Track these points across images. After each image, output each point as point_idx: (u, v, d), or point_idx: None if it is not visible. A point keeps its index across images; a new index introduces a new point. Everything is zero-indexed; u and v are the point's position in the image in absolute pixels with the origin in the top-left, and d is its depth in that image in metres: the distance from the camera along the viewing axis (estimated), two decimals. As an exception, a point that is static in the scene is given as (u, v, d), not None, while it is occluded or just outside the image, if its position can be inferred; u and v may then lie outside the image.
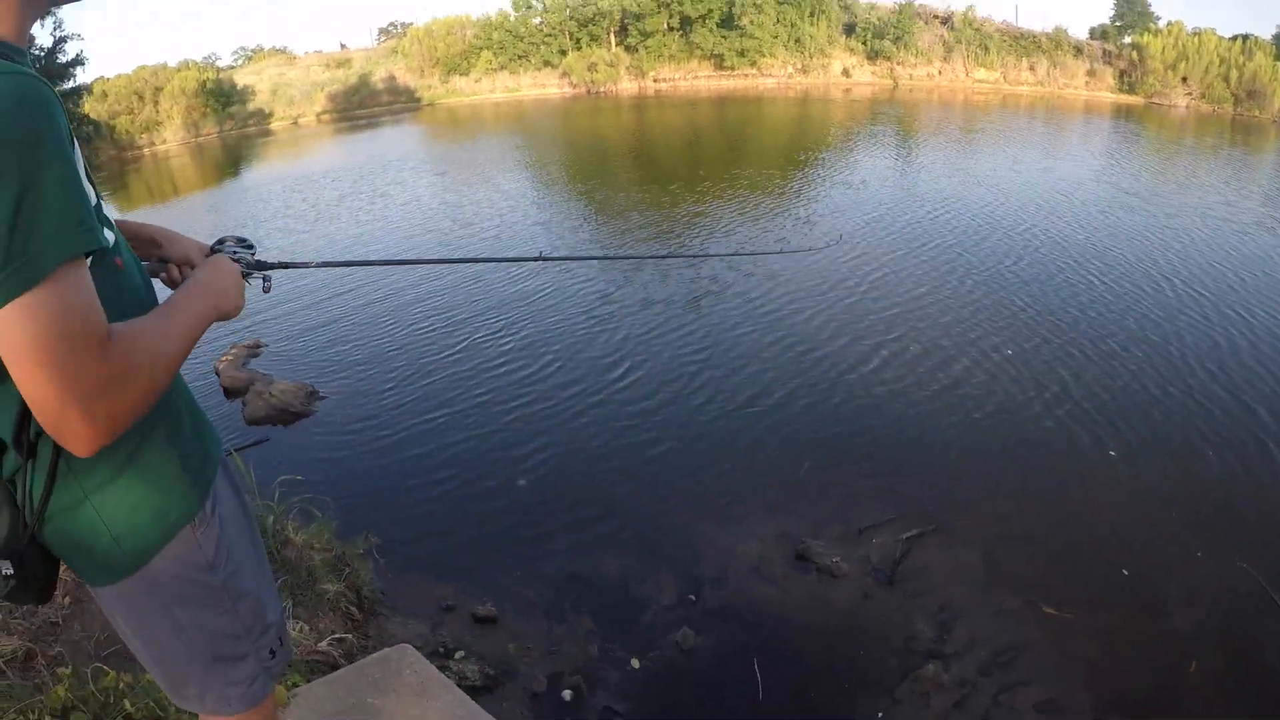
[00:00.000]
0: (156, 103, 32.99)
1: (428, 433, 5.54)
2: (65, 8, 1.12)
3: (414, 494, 4.89)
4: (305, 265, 1.79)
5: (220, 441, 1.37)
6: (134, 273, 1.19)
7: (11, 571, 1.11)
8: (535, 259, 2.67)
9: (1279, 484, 4.76)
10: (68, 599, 2.77)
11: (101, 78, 32.88)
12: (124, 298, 1.11)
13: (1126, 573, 4.08)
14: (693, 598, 4.01)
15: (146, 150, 31.29)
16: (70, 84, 18.74)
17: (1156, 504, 4.63)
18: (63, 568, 1.22)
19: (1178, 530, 4.39)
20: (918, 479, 4.88)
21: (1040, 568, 4.14)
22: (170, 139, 32.20)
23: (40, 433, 1.03)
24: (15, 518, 1.09)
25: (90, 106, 29.04)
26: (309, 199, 14.44)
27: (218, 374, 6.55)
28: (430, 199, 13.50)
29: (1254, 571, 3.99)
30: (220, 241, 1.53)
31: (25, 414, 1.02)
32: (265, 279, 1.56)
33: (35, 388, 0.90)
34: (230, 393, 6.27)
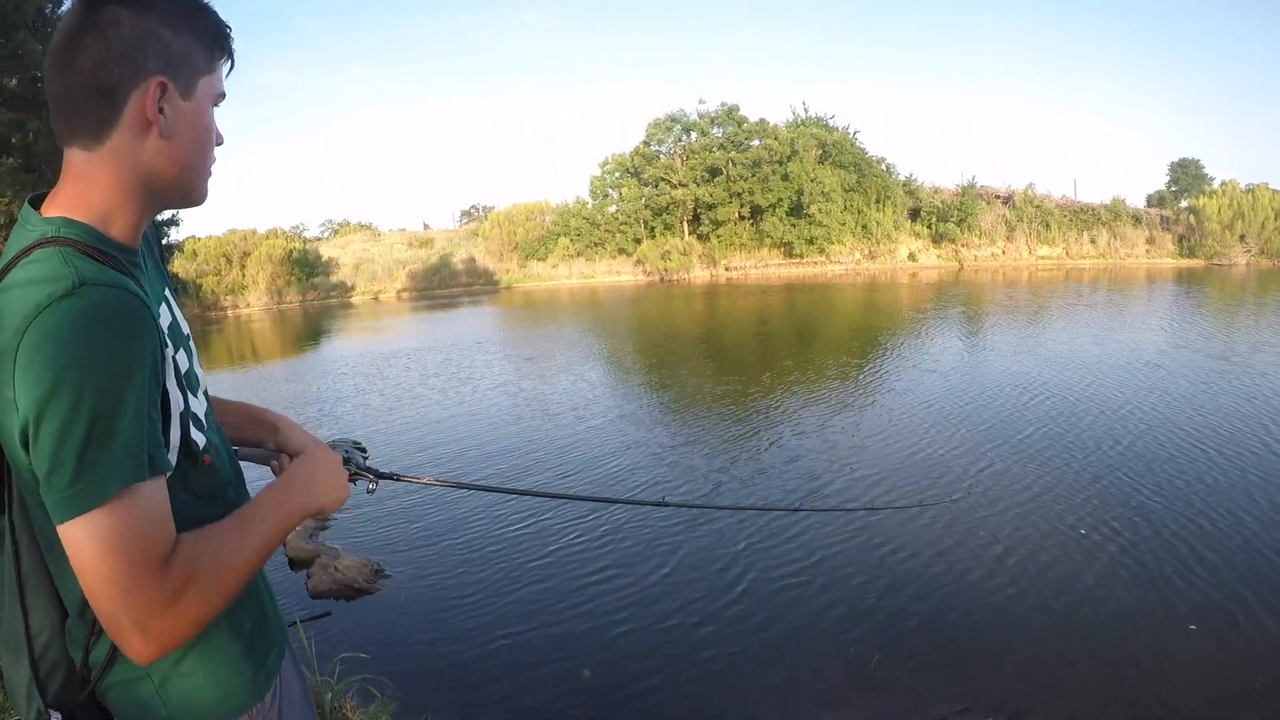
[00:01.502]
0: (243, 267, 34.86)
1: (490, 617, 5.33)
2: None
3: (474, 677, 4.63)
4: (416, 480, 1.79)
5: (285, 628, 1.35)
6: (223, 467, 1.24)
7: None
8: (657, 503, 2.67)
9: None
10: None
11: (193, 237, 35.11)
12: (208, 493, 1.17)
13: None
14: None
15: (230, 312, 32.98)
16: (163, 242, 19.99)
17: (1239, 669, 4.23)
18: None
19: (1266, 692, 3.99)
20: (991, 667, 4.48)
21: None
22: (254, 303, 33.98)
23: None
24: (70, 677, 1.11)
25: (180, 265, 30.70)
26: (391, 378, 14.55)
27: (285, 544, 6.47)
28: (517, 385, 13.37)
29: None
30: (332, 445, 1.55)
31: None
32: (372, 483, 1.56)
33: (94, 601, 0.94)
34: (296, 563, 6.20)
